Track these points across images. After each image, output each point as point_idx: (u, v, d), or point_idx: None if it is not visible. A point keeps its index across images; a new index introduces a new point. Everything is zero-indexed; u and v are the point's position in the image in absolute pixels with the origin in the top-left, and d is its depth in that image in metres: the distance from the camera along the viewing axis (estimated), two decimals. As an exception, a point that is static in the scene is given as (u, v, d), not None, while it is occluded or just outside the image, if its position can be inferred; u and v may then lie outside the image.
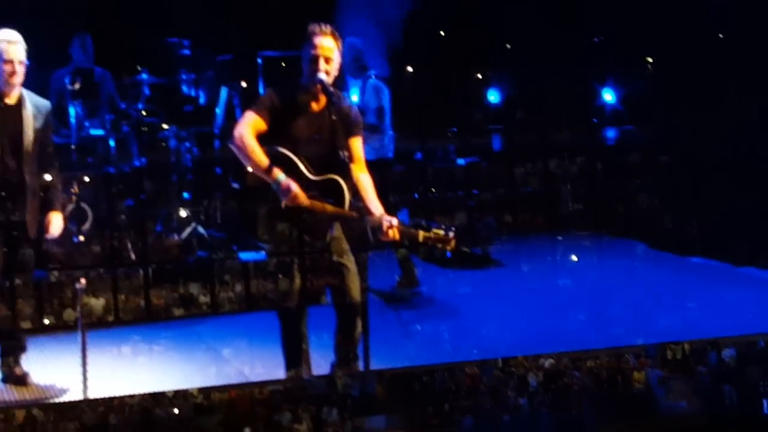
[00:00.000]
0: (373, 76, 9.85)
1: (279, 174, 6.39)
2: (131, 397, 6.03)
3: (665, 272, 11.42)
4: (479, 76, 15.53)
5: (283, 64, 11.07)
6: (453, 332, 9.00)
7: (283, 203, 6.44)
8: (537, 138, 14.55)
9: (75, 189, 9.51)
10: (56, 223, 7.55)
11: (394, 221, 6.39)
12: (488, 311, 9.66)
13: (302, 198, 6.39)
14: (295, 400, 5.97)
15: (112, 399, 5.99)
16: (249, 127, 6.56)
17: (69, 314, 9.19)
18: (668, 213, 12.97)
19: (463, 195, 12.92)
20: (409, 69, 13.42)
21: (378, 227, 6.39)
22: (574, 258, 12.16)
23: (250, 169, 6.58)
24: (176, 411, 5.75)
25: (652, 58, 14.81)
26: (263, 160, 6.44)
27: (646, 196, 13.71)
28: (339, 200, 6.52)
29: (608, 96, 14.40)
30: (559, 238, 13.31)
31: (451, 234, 6.43)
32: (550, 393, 6.41)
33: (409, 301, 9.95)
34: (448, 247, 6.56)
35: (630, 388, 6.61)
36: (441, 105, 14.35)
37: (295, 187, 6.36)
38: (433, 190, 13.08)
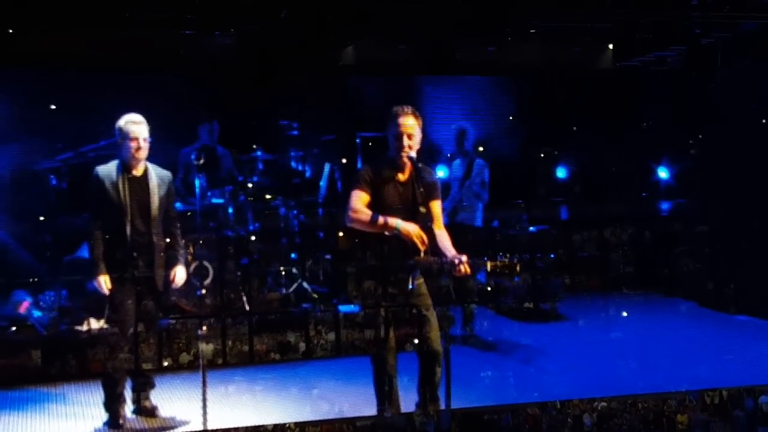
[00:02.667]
0: (477, 156, 10.13)
1: (398, 221, 6.75)
2: (236, 429, 6.37)
3: (706, 327, 11.53)
4: (542, 154, 15.64)
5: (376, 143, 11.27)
6: (518, 376, 9.15)
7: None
8: (593, 209, 14.58)
9: (194, 249, 9.79)
10: (180, 276, 7.89)
11: (464, 257, 6.63)
12: (550, 359, 9.84)
13: (423, 234, 6.72)
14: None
15: (225, 431, 6.29)
16: (358, 202, 6.90)
17: (188, 357, 9.60)
18: (709, 275, 12.93)
19: (533, 258, 12.99)
20: (480, 149, 13.59)
21: (451, 265, 6.62)
22: (625, 314, 12.15)
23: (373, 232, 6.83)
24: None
25: (696, 139, 14.86)
26: (378, 219, 6.78)
27: (689, 260, 13.65)
28: (418, 251, 6.75)
29: (662, 173, 14.52)
30: (614, 296, 13.52)
31: (516, 261, 6.57)
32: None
33: (474, 347, 10.12)
34: (515, 273, 6.69)
35: (673, 429, 6.72)
36: (510, 180, 14.47)
37: (414, 229, 6.71)
38: (508, 253, 13.12)
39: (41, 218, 11.26)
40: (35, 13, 11.50)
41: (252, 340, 9.85)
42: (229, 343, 9.78)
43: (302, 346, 10.04)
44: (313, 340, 10.04)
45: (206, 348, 9.60)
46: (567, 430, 6.63)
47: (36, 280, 10.46)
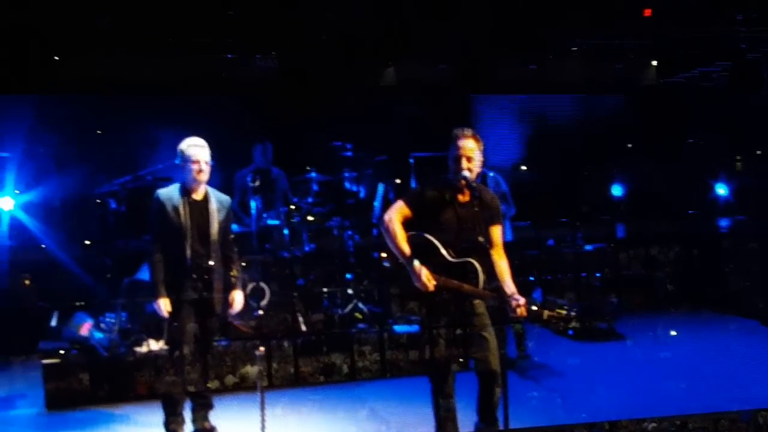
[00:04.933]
0: (491, 170, 9.98)
1: (415, 261, 6.60)
2: None
3: (757, 345, 11.23)
4: (586, 172, 15.46)
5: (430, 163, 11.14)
6: (566, 397, 8.95)
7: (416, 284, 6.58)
8: (640, 227, 14.35)
9: (250, 270, 9.66)
10: (238, 300, 7.84)
11: (522, 300, 6.48)
12: (599, 379, 9.66)
13: (429, 285, 6.54)
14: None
15: None
16: (397, 214, 6.82)
17: (234, 378, 9.48)
18: (759, 293, 12.71)
19: (589, 276, 12.79)
20: (523, 167, 13.45)
21: (508, 305, 6.45)
22: (674, 333, 11.94)
23: (392, 250, 6.74)
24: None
25: (742, 156, 14.66)
26: (404, 245, 6.69)
27: (739, 277, 13.46)
28: (474, 280, 6.62)
29: (719, 190, 14.29)
30: (662, 314, 13.19)
31: (573, 314, 6.42)
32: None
33: (525, 369, 9.91)
34: (569, 326, 6.56)
35: None
36: (557, 198, 14.30)
37: (425, 274, 6.54)
38: (564, 272, 13.00)
39: (101, 241, 11.16)
40: (78, 40, 11.50)
41: (297, 361, 9.73)
42: (275, 364, 9.64)
43: (347, 367, 9.90)
44: (359, 362, 9.90)
45: (251, 370, 9.52)
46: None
47: (97, 302, 10.46)
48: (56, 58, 12.06)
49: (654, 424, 6.51)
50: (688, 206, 14.94)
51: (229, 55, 13.02)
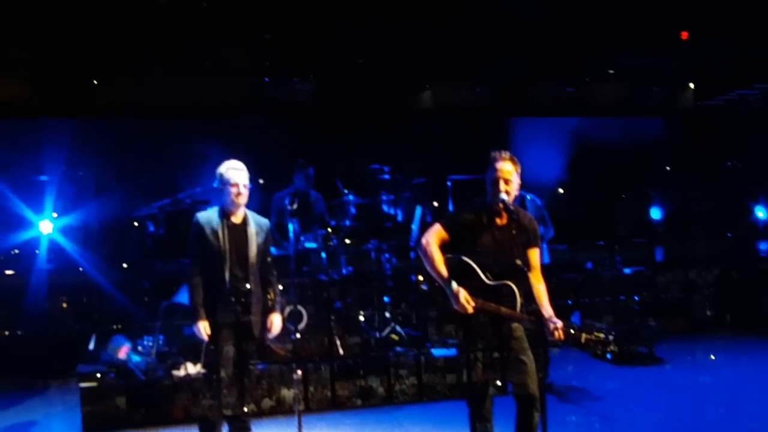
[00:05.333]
0: (529, 192, 9.93)
1: (453, 283, 6.55)
2: None
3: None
4: (624, 195, 15.41)
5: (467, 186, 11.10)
6: (604, 420, 8.85)
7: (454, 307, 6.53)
8: (678, 250, 14.25)
9: (288, 293, 9.62)
10: (277, 323, 7.80)
11: (560, 324, 6.43)
12: (637, 403, 9.55)
13: (468, 308, 6.49)
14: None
15: None
16: (435, 237, 6.77)
17: (270, 402, 9.41)
18: None
19: (628, 299, 12.69)
20: (560, 190, 13.40)
21: (546, 328, 6.42)
22: (713, 357, 11.82)
23: (430, 272, 6.69)
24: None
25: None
26: (442, 268, 6.63)
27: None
28: (512, 303, 6.57)
29: (761, 213, 14.18)
30: (701, 338, 13.06)
31: (611, 338, 6.34)
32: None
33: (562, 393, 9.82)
34: (608, 350, 6.48)
35: None
36: (594, 220, 14.24)
37: (463, 296, 6.50)
38: (603, 295, 12.92)
39: (139, 264, 11.18)
40: (118, 64, 11.59)
41: (334, 384, 9.67)
42: (311, 388, 9.59)
43: (383, 390, 9.82)
44: (396, 385, 9.82)
45: (288, 393, 9.48)
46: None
47: (135, 325, 10.49)
48: (95, 81, 12.16)
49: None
50: (726, 229, 14.82)
51: (267, 79, 13.09)
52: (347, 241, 10.63)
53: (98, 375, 9.35)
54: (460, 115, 14.24)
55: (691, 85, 15.11)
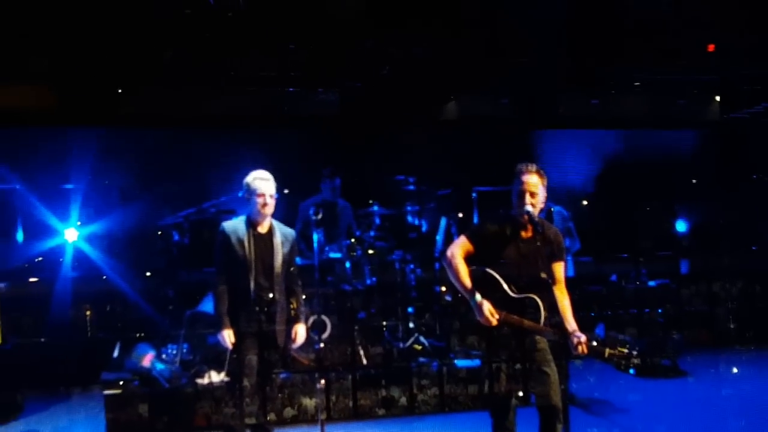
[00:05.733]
0: (552, 205, 9.89)
1: (477, 294, 6.54)
2: None
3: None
4: (648, 207, 15.34)
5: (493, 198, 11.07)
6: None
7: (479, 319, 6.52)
8: (702, 262, 14.16)
9: (312, 303, 9.62)
10: (301, 333, 7.83)
11: (583, 338, 6.43)
12: (663, 416, 9.49)
13: (492, 320, 6.49)
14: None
15: None
16: (460, 248, 6.76)
17: (292, 411, 9.40)
18: None
19: (652, 312, 12.63)
20: (584, 202, 13.36)
21: (570, 342, 6.43)
22: (736, 370, 11.73)
23: (454, 284, 6.69)
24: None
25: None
26: (466, 280, 6.63)
27: None
28: (536, 316, 6.57)
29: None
30: (724, 351, 13.03)
31: (635, 352, 6.32)
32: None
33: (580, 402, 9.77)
34: (631, 365, 6.46)
35: None
36: (618, 233, 14.18)
37: (487, 308, 6.49)
38: (627, 307, 12.88)
39: (164, 273, 11.21)
40: (143, 73, 11.62)
41: (356, 394, 9.65)
42: (333, 397, 9.57)
43: (405, 400, 9.79)
44: (418, 395, 9.80)
45: (310, 402, 9.47)
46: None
47: (159, 333, 10.52)
48: (119, 90, 12.20)
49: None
50: (751, 242, 14.73)
51: (291, 89, 13.10)
52: (371, 251, 10.63)
53: (122, 382, 9.36)
54: (485, 126, 14.21)
55: (717, 98, 15.03)
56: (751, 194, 14.79)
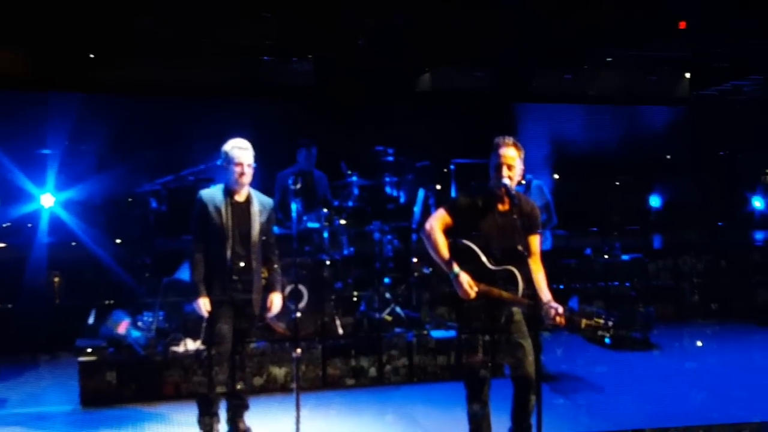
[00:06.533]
0: (533, 178, 9.83)
1: (455, 267, 6.52)
2: None
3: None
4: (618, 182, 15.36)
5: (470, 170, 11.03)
6: (592, 405, 8.83)
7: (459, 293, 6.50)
8: (669, 238, 14.24)
9: (289, 273, 9.56)
10: (277, 302, 7.76)
11: (560, 309, 6.43)
12: (624, 387, 9.57)
13: (472, 292, 6.48)
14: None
15: None
16: (439, 221, 6.73)
17: (260, 380, 9.36)
18: None
19: (626, 286, 12.66)
20: (556, 176, 13.34)
21: (546, 313, 6.40)
22: (700, 343, 11.88)
23: (432, 257, 6.65)
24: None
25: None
26: (445, 252, 6.60)
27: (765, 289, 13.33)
28: (514, 288, 6.55)
29: (757, 203, 14.15)
30: (689, 325, 13.12)
31: (610, 323, 6.31)
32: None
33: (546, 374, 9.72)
34: (607, 334, 6.45)
35: None
36: (590, 208, 14.19)
37: (466, 281, 6.47)
38: (600, 281, 12.91)
39: (141, 240, 11.11)
40: (120, 40, 11.47)
41: (325, 364, 9.63)
42: (303, 367, 9.52)
43: (375, 370, 9.78)
44: (386, 365, 9.78)
45: (279, 372, 9.46)
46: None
47: (135, 300, 10.40)
48: (91, 56, 12.03)
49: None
50: (719, 218, 14.79)
51: (266, 58, 12.97)
52: (349, 221, 10.57)
53: (96, 349, 9.29)
54: (462, 99, 14.14)
55: (687, 75, 15.03)
56: (719, 171, 14.82)
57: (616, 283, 12.79)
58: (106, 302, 10.91)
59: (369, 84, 13.14)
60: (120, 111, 12.37)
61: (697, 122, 14.99)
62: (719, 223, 14.85)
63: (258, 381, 9.27)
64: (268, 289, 7.72)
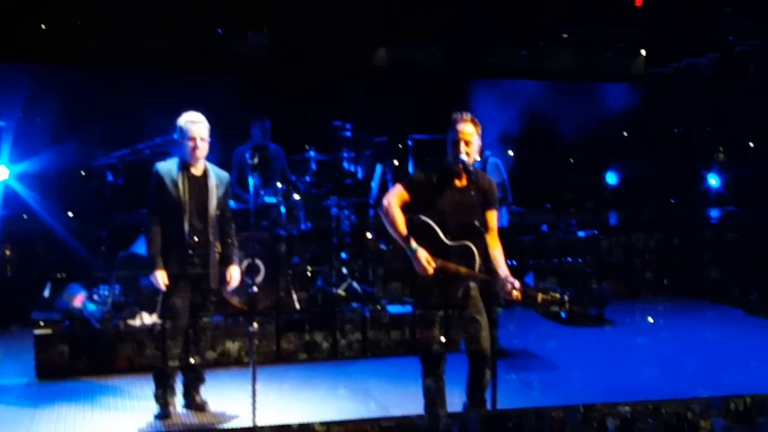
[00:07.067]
0: (491, 155, 9.80)
1: (413, 243, 6.49)
2: (261, 428, 6.07)
3: (732, 333, 11.12)
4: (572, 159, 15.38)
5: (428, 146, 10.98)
6: (544, 380, 8.85)
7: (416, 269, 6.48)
8: (622, 215, 14.31)
9: (246, 247, 9.50)
10: (235, 275, 7.71)
11: (517, 283, 6.41)
12: (576, 363, 9.60)
13: (429, 269, 6.44)
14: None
15: (246, 429, 6.13)
16: (396, 197, 6.69)
17: (213, 354, 9.28)
18: (736, 282, 12.77)
19: (582, 262, 12.69)
20: (510, 153, 13.34)
21: (503, 288, 6.37)
22: (651, 319, 11.92)
23: (390, 233, 6.63)
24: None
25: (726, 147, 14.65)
26: (402, 228, 6.57)
27: (717, 267, 13.49)
28: (471, 263, 6.52)
29: (713, 180, 14.23)
30: (640, 301, 13.12)
31: (566, 298, 6.31)
32: (627, 437, 6.20)
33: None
34: (563, 309, 6.46)
35: None
36: (541, 183, 14.21)
37: (423, 257, 6.44)
38: (556, 257, 12.93)
39: (97, 213, 10.99)
40: (73, 12, 11.30)
41: (279, 338, 9.58)
42: (256, 341, 9.42)
43: (329, 345, 9.75)
44: (340, 340, 9.75)
45: (233, 346, 9.41)
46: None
47: (91, 274, 10.26)
48: (43, 26, 11.85)
49: (627, 408, 6.38)
50: (673, 195, 14.86)
51: (220, 30, 12.84)
52: (306, 196, 10.49)
53: (52, 322, 9.20)
54: (417, 74, 14.08)
55: (643, 52, 15.05)
56: (673, 149, 14.88)
57: (569, 259, 12.83)
58: (61, 276, 10.78)
59: (325, 58, 13.03)
60: (75, 83, 12.19)
61: (653, 100, 15.00)
62: (672, 201, 14.91)
63: (211, 355, 9.19)
64: (225, 262, 7.66)
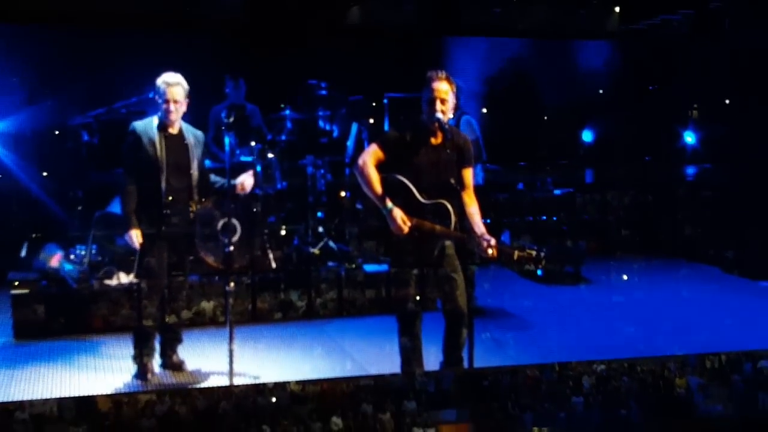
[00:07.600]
0: (464, 113, 9.74)
1: (388, 202, 6.50)
2: (236, 387, 6.02)
3: (708, 291, 11.23)
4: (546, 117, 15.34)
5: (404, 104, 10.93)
6: (519, 339, 8.87)
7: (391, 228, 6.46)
8: (597, 172, 14.31)
9: (221, 206, 9.46)
10: (248, 183, 7.79)
11: (493, 241, 6.39)
12: (552, 321, 9.62)
13: (404, 228, 6.44)
14: (380, 393, 5.81)
15: (222, 388, 5.93)
16: (371, 157, 6.67)
17: (189, 314, 9.24)
18: (710, 240, 12.84)
19: (558, 220, 12.70)
20: (484, 110, 13.29)
21: (479, 245, 6.34)
22: (626, 277, 12.04)
23: (365, 192, 6.63)
24: (274, 400, 5.64)
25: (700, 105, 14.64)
26: (377, 187, 6.57)
27: (691, 225, 13.59)
28: (446, 222, 6.52)
29: (689, 138, 14.23)
30: (614, 259, 13.15)
31: (542, 255, 6.30)
32: (601, 394, 6.25)
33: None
34: (539, 266, 6.45)
35: (672, 392, 6.42)
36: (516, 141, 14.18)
37: (399, 216, 6.44)
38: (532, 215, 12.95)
39: (73, 173, 10.88)
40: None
41: (255, 297, 9.57)
42: (231, 300, 9.40)
43: (303, 304, 9.74)
44: (316, 300, 9.74)
45: (208, 306, 9.40)
46: (566, 392, 6.28)
47: (67, 234, 10.20)
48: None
49: (603, 366, 6.41)
50: (649, 153, 14.85)
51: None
52: (282, 155, 10.44)
53: (29, 282, 9.15)
54: (392, 33, 13.98)
55: (617, 9, 14.99)
56: (648, 106, 14.85)
57: (546, 217, 12.83)
58: (37, 236, 10.69)
59: (300, 17, 12.92)
60: (49, 42, 12.03)
61: (627, 57, 14.97)
62: (647, 158, 14.91)
63: (186, 314, 9.13)
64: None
